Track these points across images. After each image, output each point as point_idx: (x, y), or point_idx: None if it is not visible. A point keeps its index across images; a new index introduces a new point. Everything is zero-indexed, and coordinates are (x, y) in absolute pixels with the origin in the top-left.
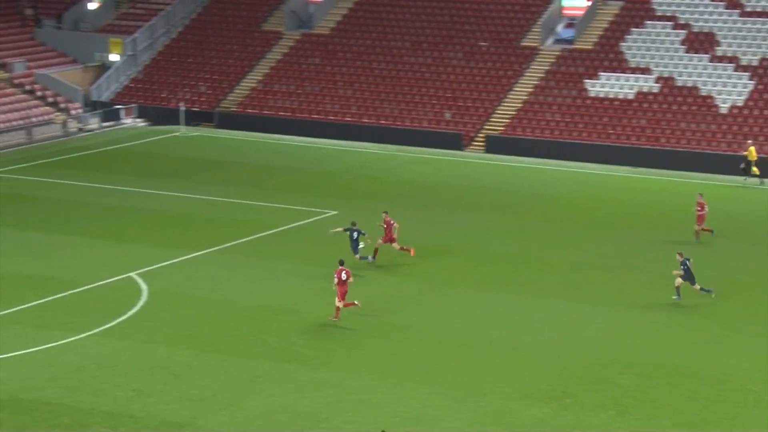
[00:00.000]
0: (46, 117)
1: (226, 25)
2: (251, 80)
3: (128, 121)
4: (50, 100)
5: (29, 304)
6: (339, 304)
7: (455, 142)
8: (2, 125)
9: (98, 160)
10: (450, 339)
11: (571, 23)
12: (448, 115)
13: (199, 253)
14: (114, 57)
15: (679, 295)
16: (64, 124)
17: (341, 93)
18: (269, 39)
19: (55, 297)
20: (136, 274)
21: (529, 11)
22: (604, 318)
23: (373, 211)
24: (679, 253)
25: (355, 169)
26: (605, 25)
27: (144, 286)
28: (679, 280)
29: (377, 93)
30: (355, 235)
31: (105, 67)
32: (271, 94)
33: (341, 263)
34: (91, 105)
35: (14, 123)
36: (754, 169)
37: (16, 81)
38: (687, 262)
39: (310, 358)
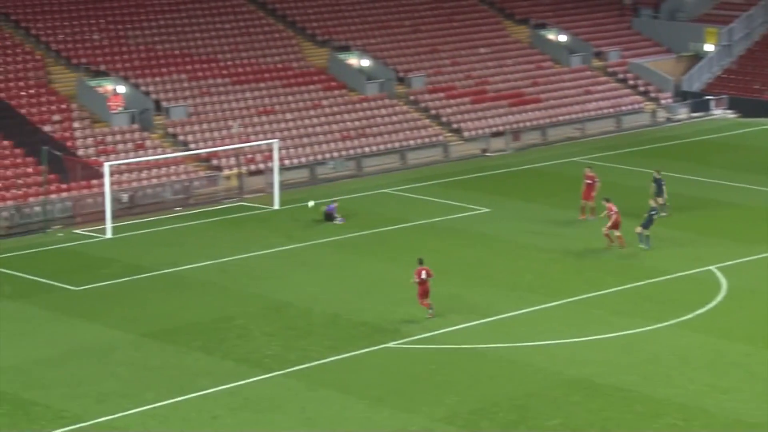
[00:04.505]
0: (635, 106)
1: None
2: None
3: (717, 112)
4: (641, 89)
5: (610, 290)
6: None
7: None
8: (593, 113)
9: (684, 150)
10: None
11: None
12: None
13: None
14: (708, 47)
15: None
16: (653, 113)
17: None
18: None
19: (635, 285)
20: (716, 267)
21: None
22: None
23: None
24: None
25: None
26: None
27: (723, 281)
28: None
29: None
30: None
31: (698, 57)
32: None
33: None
34: (680, 95)
35: (605, 111)
36: None
37: (609, 69)
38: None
39: None
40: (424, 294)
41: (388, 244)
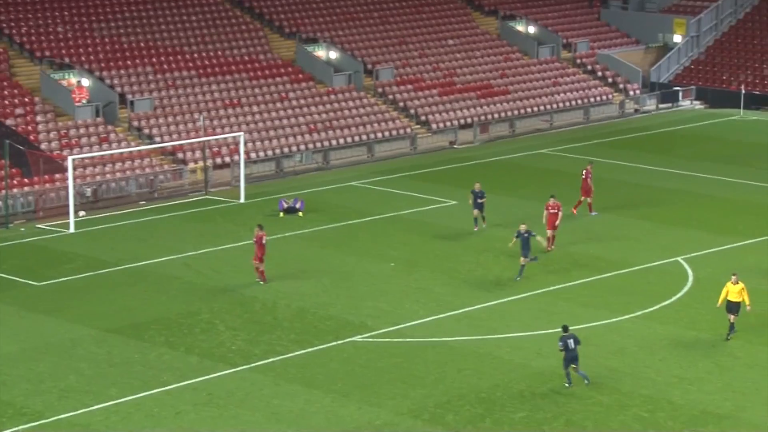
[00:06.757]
0: (604, 97)
1: None
2: None
3: (686, 104)
4: (609, 80)
5: (576, 282)
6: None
7: None
8: (562, 104)
9: (653, 141)
10: None
11: None
12: None
13: (749, 241)
14: (677, 38)
15: None
16: (621, 104)
17: None
18: None
19: (601, 276)
20: (683, 258)
21: None
22: None
23: None
24: None
25: None
26: None
27: (690, 272)
28: None
29: None
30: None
31: (667, 48)
32: None
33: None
34: (649, 86)
35: (573, 102)
36: None
37: (578, 61)
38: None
39: None
40: (262, 256)
41: (355, 238)
